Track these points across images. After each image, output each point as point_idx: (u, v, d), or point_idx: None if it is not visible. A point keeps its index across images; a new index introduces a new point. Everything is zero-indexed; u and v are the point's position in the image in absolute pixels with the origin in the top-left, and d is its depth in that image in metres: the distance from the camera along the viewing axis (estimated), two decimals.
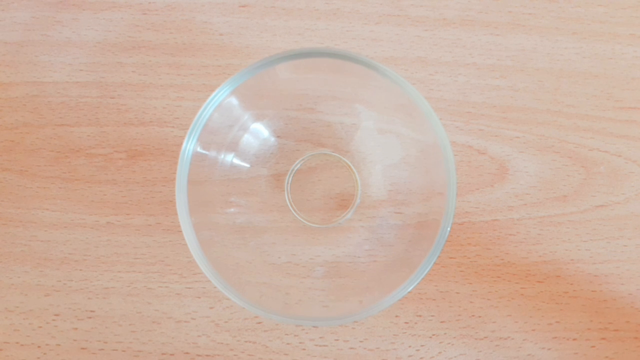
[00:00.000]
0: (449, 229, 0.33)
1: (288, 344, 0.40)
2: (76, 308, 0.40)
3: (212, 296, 0.40)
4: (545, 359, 0.40)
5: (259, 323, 0.40)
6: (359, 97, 0.39)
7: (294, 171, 0.40)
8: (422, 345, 0.40)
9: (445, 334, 0.40)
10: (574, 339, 0.40)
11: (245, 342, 0.40)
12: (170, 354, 0.40)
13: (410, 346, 0.40)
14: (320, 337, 0.40)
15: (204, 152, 0.35)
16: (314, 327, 0.40)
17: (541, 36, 0.41)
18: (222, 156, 0.37)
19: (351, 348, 0.40)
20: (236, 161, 0.38)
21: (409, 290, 0.33)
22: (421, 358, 0.40)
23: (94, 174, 0.41)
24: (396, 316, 0.40)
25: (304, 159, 0.40)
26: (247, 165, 0.39)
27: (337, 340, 0.40)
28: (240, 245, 0.38)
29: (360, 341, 0.40)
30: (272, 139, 0.40)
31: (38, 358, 0.40)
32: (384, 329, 0.40)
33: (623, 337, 0.40)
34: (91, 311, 0.40)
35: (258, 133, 0.39)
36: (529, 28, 0.41)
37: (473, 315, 0.40)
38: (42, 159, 0.41)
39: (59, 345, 0.40)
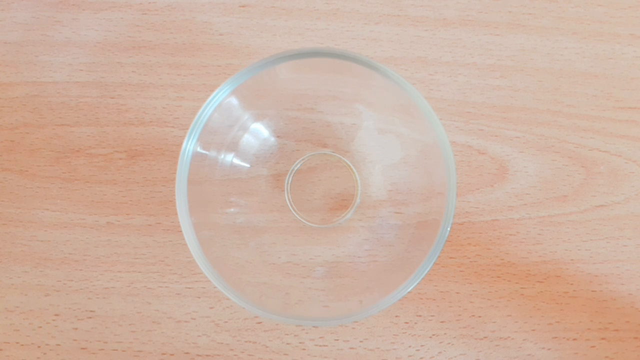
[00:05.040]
0: (449, 229, 0.33)
1: (288, 344, 0.40)
2: (76, 308, 0.40)
3: (212, 296, 0.40)
4: (545, 359, 0.40)
5: (259, 323, 0.40)
6: (359, 97, 0.39)
7: (294, 171, 0.40)
8: (422, 345, 0.40)
9: (445, 334, 0.40)
10: (574, 339, 0.40)
11: (245, 342, 0.40)
12: (170, 354, 0.40)
13: (410, 346, 0.40)
14: (320, 337, 0.40)
15: (204, 152, 0.35)
16: (314, 327, 0.40)
17: (541, 36, 0.41)
18: (222, 156, 0.37)
19: (351, 348, 0.40)
20: (236, 161, 0.38)
21: (409, 290, 0.33)
22: (421, 358, 0.40)
23: (94, 174, 0.41)
24: (396, 316, 0.40)
25: (304, 159, 0.40)
26: (247, 165, 0.39)
27: (337, 340, 0.40)
28: (240, 245, 0.38)
29: (360, 341, 0.40)
30: (272, 139, 0.40)
31: (38, 358, 0.40)
32: (384, 329, 0.40)
33: (623, 337, 0.40)
34: (91, 311, 0.40)
35: (258, 133, 0.39)
36: (529, 28, 0.42)
37: (473, 315, 0.40)
38: (42, 159, 0.41)
39: (59, 345, 0.40)
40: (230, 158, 0.38)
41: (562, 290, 0.40)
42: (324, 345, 0.40)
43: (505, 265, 0.40)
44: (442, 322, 0.40)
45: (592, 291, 0.40)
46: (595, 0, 0.42)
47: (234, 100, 0.35)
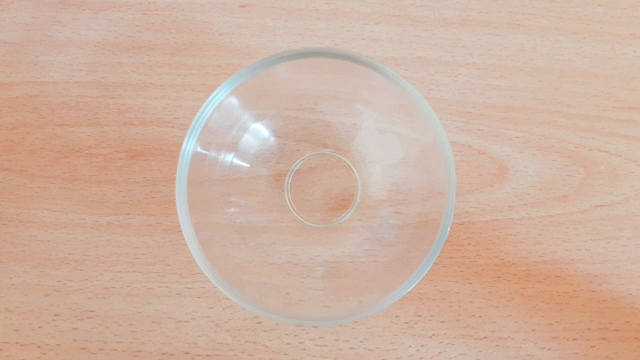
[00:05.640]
0: (449, 229, 0.33)
1: (288, 344, 0.40)
2: (76, 308, 0.40)
3: (212, 296, 0.40)
4: (545, 359, 0.40)
5: (259, 323, 0.40)
6: (359, 97, 0.39)
7: (294, 171, 0.40)
8: (422, 345, 0.40)
9: (445, 334, 0.40)
10: (574, 339, 0.40)
11: (245, 342, 0.40)
12: (170, 354, 0.40)
13: (410, 346, 0.40)
14: (320, 337, 0.40)
15: (204, 152, 0.35)
16: (314, 327, 0.40)
17: (541, 36, 0.41)
18: (222, 156, 0.37)
19: (351, 348, 0.40)
20: (236, 161, 0.38)
21: (409, 290, 0.33)
22: (421, 358, 0.40)
23: (94, 174, 0.41)
24: (396, 316, 0.40)
25: (304, 159, 0.40)
26: (247, 165, 0.39)
27: (337, 340, 0.40)
28: (240, 245, 0.38)
29: (360, 341, 0.40)
30: (272, 139, 0.40)
31: (38, 358, 0.40)
32: (384, 329, 0.40)
33: (623, 337, 0.40)
34: (91, 311, 0.40)
35: (258, 133, 0.39)
36: (529, 28, 0.42)
37: (473, 315, 0.40)
38: (42, 159, 0.41)
39: (59, 345, 0.40)
40: (230, 158, 0.38)
41: (562, 290, 0.40)
42: (324, 345, 0.40)
43: (505, 265, 0.40)
44: (442, 322, 0.40)
45: (592, 291, 0.40)
46: (595, 0, 0.42)
47: (234, 100, 0.35)
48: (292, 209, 0.40)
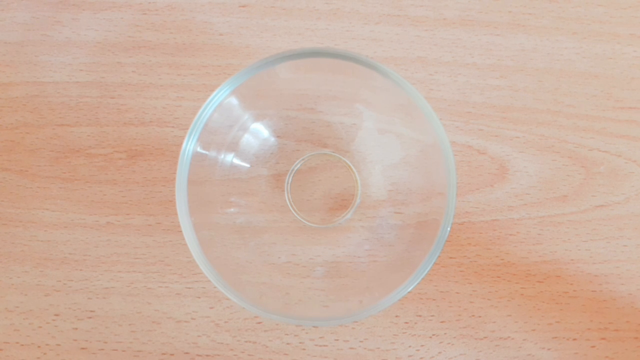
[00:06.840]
0: (449, 229, 0.33)
1: (288, 344, 0.40)
2: (76, 308, 0.40)
3: (212, 296, 0.40)
4: (545, 359, 0.40)
5: (259, 323, 0.40)
6: (359, 97, 0.39)
7: (294, 171, 0.40)
8: (422, 345, 0.40)
9: (445, 334, 0.40)
10: (574, 339, 0.40)
11: (245, 342, 0.40)
12: (170, 354, 0.40)
13: (410, 346, 0.40)
14: (320, 337, 0.40)
15: (204, 152, 0.35)
16: (314, 327, 0.40)
17: (541, 36, 0.41)
18: (222, 156, 0.37)
19: (351, 348, 0.40)
20: (236, 161, 0.38)
21: (409, 290, 0.33)
22: (421, 358, 0.40)
23: (94, 174, 0.41)
24: (396, 316, 0.40)
25: (304, 159, 0.40)
26: (247, 165, 0.39)
27: (337, 340, 0.40)
28: (240, 245, 0.38)
29: (360, 341, 0.40)
30: (272, 139, 0.40)
31: (38, 358, 0.40)
32: (384, 329, 0.40)
33: (623, 337, 0.40)
34: (91, 311, 0.40)
35: (258, 133, 0.39)
36: (529, 28, 0.42)
37: (473, 315, 0.40)
38: (42, 159, 0.41)
39: (59, 345, 0.40)
40: (230, 158, 0.38)
41: (562, 290, 0.40)
42: (324, 345, 0.40)
43: (505, 265, 0.40)
44: (442, 322, 0.40)
45: (592, 291, 0.40)
46: (595, 0, 0.42)
47: (234, 100, 0.35)
48: (292, 209, 0.40)
